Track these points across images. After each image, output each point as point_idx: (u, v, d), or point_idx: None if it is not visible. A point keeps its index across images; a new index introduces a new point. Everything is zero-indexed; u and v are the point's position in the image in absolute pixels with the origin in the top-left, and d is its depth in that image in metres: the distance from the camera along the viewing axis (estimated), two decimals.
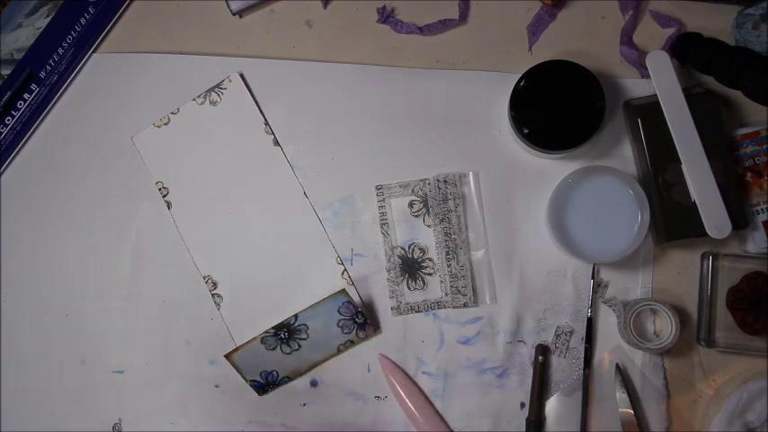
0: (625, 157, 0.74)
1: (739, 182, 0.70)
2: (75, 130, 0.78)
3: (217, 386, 0.76)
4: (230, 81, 0.77)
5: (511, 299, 0.74)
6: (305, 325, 0.74)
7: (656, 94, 0.70)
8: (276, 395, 0.76)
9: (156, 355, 0.77)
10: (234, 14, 0.77)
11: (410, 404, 0.73)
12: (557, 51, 0.75)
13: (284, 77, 0.77)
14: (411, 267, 0.75)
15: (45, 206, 0.78)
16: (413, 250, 0.75)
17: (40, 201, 0.78)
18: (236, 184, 0.77)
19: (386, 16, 0.76)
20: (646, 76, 0.73)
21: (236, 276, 0.76)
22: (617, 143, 0.74)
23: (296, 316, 0.73)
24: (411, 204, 0.76)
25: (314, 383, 0.75)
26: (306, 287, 0.75)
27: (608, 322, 0.74)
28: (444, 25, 0.75)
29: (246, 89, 0.76)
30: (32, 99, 0.77)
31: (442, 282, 0.75)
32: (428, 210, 0.75)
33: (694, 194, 0.69)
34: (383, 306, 0.75)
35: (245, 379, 0.74)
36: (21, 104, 0.77)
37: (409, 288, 0.75)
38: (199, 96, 0.77)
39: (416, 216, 0.75)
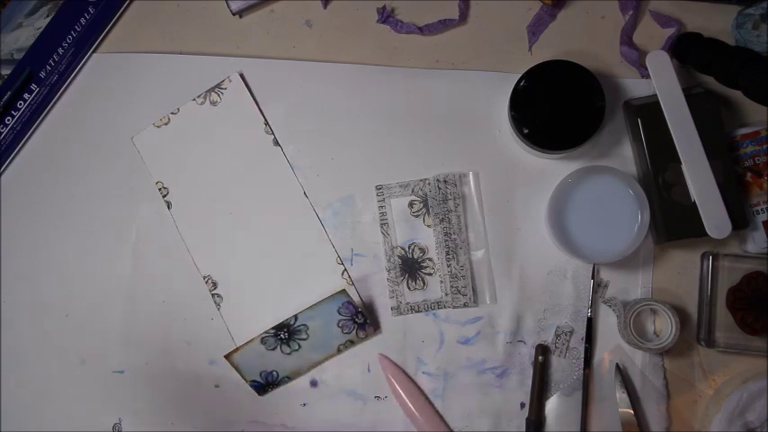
0: (625, 157, 0.74)
1: (739, 182, 0.70)
2: (75, 130, 0.78)
3: (217, 386, 0.76)
4: (230, 81, 0.77)
5: (511, 299, 0.74)
6: (305, 325, 0.74)
7: (656, 94, 0.70)
8: (276, 395, 0.76)
9: (156, 355, 0.77)
10: (234, 14, 0.77)
11: (410, 404, 0.73)
12: (557, 51, 0.75)
13: (284, 77, 0.77)
14: (411, 267, 0.75)
15: (45, 206, 0.78)
16: (413, 250, 0.75)
17: (40, 201, 0.78)
18: (236, 184, 0.77)
19: (386, 16, 0.76)
20: (646, 76, 0.73)
21: (236, 276, 0.76)
22: (617, 143, 0.74)
23: (296, 316, 0.73)
24: (411, 204, 0.76)
25: (314, 383, 0.76)
26: (306, 287, 0.75)
27: (608, 322, 0.74)
28: (444, 25, 0.75)
29: (246, 89, 0.77)
30: (32, 99, 0.77)
31: (441, 282, 0.75)
32: (428, 210, 0.75)
33: (694, 194, 0.69)
34: (383, 306, 0.75)
35: (245, 379, 0.74)
36: (21, 104, 0.77)
37: (409, 288, 0.75)
38: (199, 96, 0.77)
39: (416, 216, 0.75)
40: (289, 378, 0.75)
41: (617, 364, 0.73)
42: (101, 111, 0.78)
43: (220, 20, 0.78)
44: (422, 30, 0.75)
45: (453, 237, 0.74)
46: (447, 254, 0.74)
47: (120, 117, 0.78)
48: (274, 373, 0.75)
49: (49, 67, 0.77)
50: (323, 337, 0.74)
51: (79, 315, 0.77)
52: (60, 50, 0.77)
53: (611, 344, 0.74)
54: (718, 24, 0.73)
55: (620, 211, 0.70)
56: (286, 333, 0.74)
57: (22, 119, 0.77)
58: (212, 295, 0.76)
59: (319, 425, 0.75)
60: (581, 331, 0.74)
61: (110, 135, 0.78)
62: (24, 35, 0.77)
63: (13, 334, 0.78)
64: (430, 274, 0.75)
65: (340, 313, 0.73)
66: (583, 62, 0.70)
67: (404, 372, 0.75)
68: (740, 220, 0.69)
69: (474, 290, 0.75)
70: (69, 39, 0.77)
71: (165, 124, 0.77)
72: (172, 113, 0.77)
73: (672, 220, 0.70)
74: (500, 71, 0.75)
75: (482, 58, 0.76)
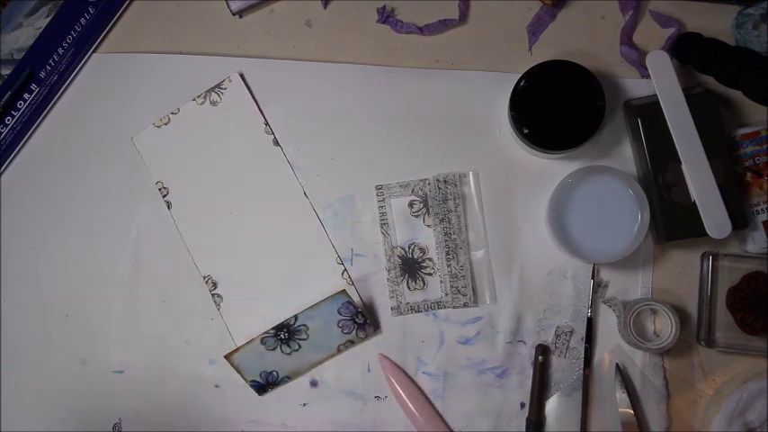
0: (625, 157, 0.74)
1: (739, 182, 0.70)
2: (75, 130, 0.78)
3: (217, 386, 0.76)
4: (230, 81, 0.77)
5: (511, 299, 0.74)
6: (305, 325, 0.74)
7: (656, 94, 0.70)
8: (276, 395, 0.76)
9: (156, 355, 0.77)
10: (234, 14, 0.77)
11: (410, 404, 0.73)
12: (557, 51, 0.75)
13: (284, 77, 0.77)
14: (411, 267, 0.75)
15: (45, 206, 0.78)
16: (413, 250, 0.75)
17: (40, 201, 0.78)
18: (236, 184, 0.77)
19: (386, 16, 0.76)
20: (646, 76, 0.73)
21: (236, 276, 0.76)
22: (617, 143, 0.74)
23: (296, 316, 0.73)
24: (411, 204, 0.76)
25: (314, 383, 0.76)
26: (306, 287, 0.75)
27: (608, 322, 0.74)
28: (444, 25, 0.75)
29: (246, 89, 0.77)
30: (32, 99, 0.77)
31: (441, 282, 0.75)
32: (428, 210, 0.75)
33: (694, 194, 0.69)
34: (383, 306, 0.75)
35: (245, 379, 0.74)
36: (21, 104, 0.77)
37: (409, 288, 0.75)
38: (199, 96, 0.77)
39: (416, 216, 0.75)
40: (289, 378, 0.75)
41: (617, 364, 0.73)
42: (101, 111, 0.78)
43: (220, 20, 0.78)
44: (422, 30, 0.75)
45: (453, 237, 0.74)
46: (447, 254, 0.74)
47: (120, 117, 0.78)
48: (274, 373, 0.75)
49: (49, 67, 0.77)
50: (323, 338, 0.74)
51: (79, 315, 0.78)
52: (60, 50, 0.77)
53: (611, 344, 0.74)
54: (718, 24, 0.73)
55: (620, 211, 0.70)
56: (286, 333, 0.74)
57: (22, 119, 0.77)
58: (212, 295, 0.76)
59: (319, 425, 0.75)
60: (581, 331, 0.74)
61: (110, 135, 0.78)
62: (24, 35, 0.77)
63: (13, 334, 0.78)
64: (430, 274, 0.75)
65: (340, 313, 0.73)
66: (583, 62, 0.70)
67: (404, 372, 0.75)
68: (740, 220, 0.69)
69: (474, 290, 0.75)
70: (69, 39, 0.77)
71: (165, 124, 0.77)
72: (172, 113, 0.77)
73: (672, 220, 0.70)
74: (500, 71, 0.75)
75: (482, 58, 0.76)
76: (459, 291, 0.74)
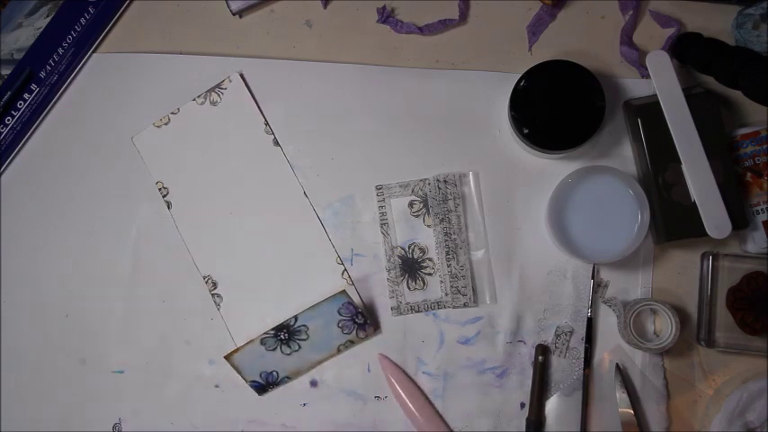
0: (625, 157, 0.74)
1: (739, 182, 0.70)
2: (75, 130, 0.78)
3: (217, 386, 0.76)
4: (230, 81, 0.77)
5: (511, 299, 0.74)
6: (305, 326, 0.74)
7: (656, 94, 0.70)
8: (276, 395, 0.76)
9: (156, 355, 0.77)
10: (234, 14, 0.77)
11: (410, 404, 0.73)
12: (557, 51, 0.75)
13: (284, 77, 0.77)
14: (411, 267, 0.75)
15: (45, 206, 0.78)
16: (413, 250, 0.75)
17: (40, 201, 0.78)
18: (236, 184, 0.77)
19: (386, 16, 0.76)
20: (646, 76, 0.73)
21: (236, 276, 0.76)
22: (617, 143, 0.74)
23: (296, 317, 0.73)
24: (411, 204, 0.76)
25: (314, 383, 0.75)
26: (306, 287, 0.75)
27: (608, 322, 0.74)
28: (444, 25, 0.75)
29: (246, 89, 0.77)
30: (32, 99, 0.77)
31: (441, 282, 0.75)
32: (428, 210, 0.75)
33: (694, 194, 0.69)
34: (383, 306, 0.75)
35: (245, 380, 0.74)
36: (21, 104, 0.77)
37: (409, 288, 0.75)
38: (199, 96, 0.77)
39: (416, 216, 0.75)
40: (289, 378, 0.75)
41: (617, 364, 0.73)
42: (101, 111, 0.78)
43: (220, 20, 0.78)
44: (422, 30, 0.75)
45: (453, 237, 0.74)
46: (447, 254, 0.74)
47: (120, 117, 0.78)
48: (274, 373, 0.75)
49: (49, 67, 0.77)
50: (323, 338, 0.74)
51: (79, 315, 0.77)
52: (60, 50, 0.77)
53: (611, 344, 0.74)
54: (718, 24, 0.73)
55: (620, 211, 0.70)
56: (286, 334, 0.74)
57: (22, 119, 0.77)
58: (212, 295, 0.76)
59: (319, 425, 0.75)
60: (581, 331, 0.74)
61: (110, 135, 0.78)
62: (24, 35, 0.77)
63: (13, 334, 0.78)
64: (430, 274, 0.75)
65: (340, 314, 0.73)
66: (583, 62, 0.70)
67: (404, 372, 0.75)
68: (740, 220, 0.69)
69: (474, 290, 0.75)
70: (69, 39, 0.77)
71: (165, 124, 0.77)
72: (172, 113, 0.77)
73: (672, 220, 0.70)
74: (500, 71, 0.75)
75: (482, 58, 0.76)
76: (459, 291, 0.74)
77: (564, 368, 0.74)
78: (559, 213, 0.70)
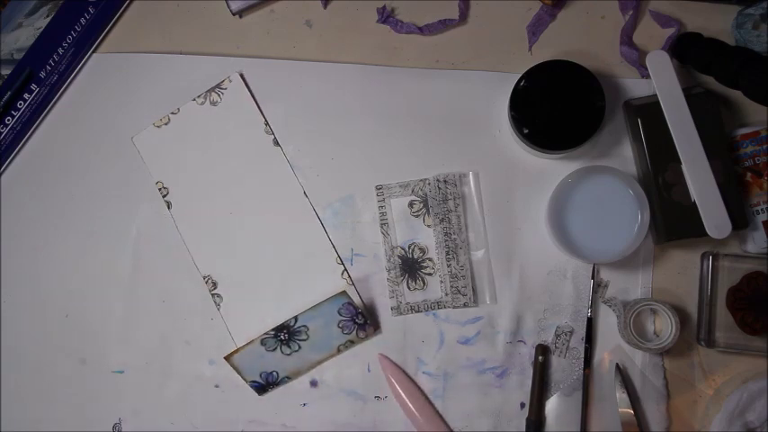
0: (625, 157, 0.74)
1: (739, 182, 0.70)
2: (75, 130, 0.78)
3: (217, 386, 0.76)
4: (230, 81, 0.77)
5: (511, 299, 0.74)
6: (305, 326, 0.74)
7: (656, 94, 0.70)
8: (276, 395, 0.76)
9: (156, 355, 0.77)
10: (234, 14, 0.77)
11: (410, 404, 0.73)
12: (557, 51, 0.75)
13: (284, 77, 0.77)
14: (411, 267, 0.75)
15: (45, 206, 0.78)
16: (413, 250, 0.75)
17: (40, 201, 0.78)
18: (236, 184, 0.77)
19: (386, 16, 0.76)
20: (646, 76, 0.73)
21: (236, 276, 0.76)
22: (617, 143, 0.74)
23: (296, 317, 0.73)
24: (411, 204, 0.76)
25: (314, 383, 0.75)
26: (306, 287, 0.75)
27: (608, 322, 0.74)
28: (444, 25, 0.75)
29: (246, 89, 0.77)
30: (32, 99, 0.77)
31: (441, 282, 0.75)
32: (428, 210, 0.75)
33: (694, 194, 0.69)
34: (383, 306, 0.75)
35: (245, 380, 0.74)
36: (21, 104, 0.77)
37: (409, 288, 0.75)
38: (199, 96, 0.77)
39: (416, 216, 0.75)
40: (289, 378, 0.75)
41: (617, 364, 0.73)
42: (101, 111, 0.78)
43: (220, 20, 0.78)
44: (422, 30, 0.75)
45: (453, 237, 0.74)
46: (447, 254, 0.74)
47: (120, 117, 0.78)
48: (274, 373, 0.75)
49: (49, 67, 0.77)
50: (323, 338, 0.74)
51: (79, 315, 0.77)
52: (60, 50, 0.77)
53: (611, 344, 0.74)
54: (718, 24, 0.73)
55: (620, 211, 0.70)
56: (286, 334, 0.74)
57: (22, 119, 0.77)
58: (212, 295, 0.76)
59: (319, 425, 0.75)
60: (581, 331, 0.74)
61: (110, 135, 0.78)
62: (24, 35, 0.77)
63: (13, 334, 0.78)
64: (430, 274, 0.75)
65: (340, 314, 0.73)
66: (583, 62, 0.70)
67: (404, 372, 0.75)
68: (740, 220, 0.69)
69: (474, 290, 0.75)
70: (69, 39, 0.77)
71: (165, 124, 0.77)
72: (172, 113, 0.77)
73: (672, 220, 0.70)
74: (500, 71, 0.75)
75: (482, 58, 0.76)
76: (459, 291, 0.74)
77: (564, 368, 0.74)
78: (559, 213, 0.70)
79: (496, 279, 0.74)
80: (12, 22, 0.78)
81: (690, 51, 0.72)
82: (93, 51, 0.78)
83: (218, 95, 0.77)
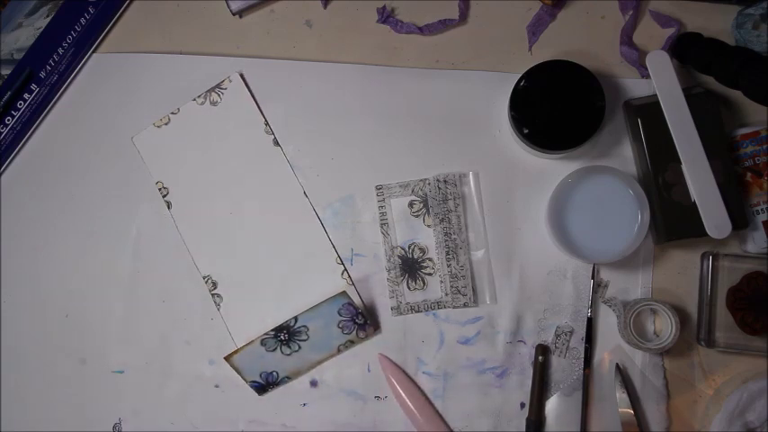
0: (625, 157, 0.74)
1: (739, 182, 0.70)
2: (75, 130, 0.78)
3: (217, 386, 0.76)
4: (230, 81, 0.77)
5: (511, 299, 0.74)
6: (305, 326, 0.74)
7: (656, 94, 0.70)
8: (276, 395, 0.76)
9: (156, 355, 0.77)
10: (234, 14, 0.77)
11: (410, 404, 0.73)
12: (557, 51, 0.75)
13: (284, 77, 0.77)
14: (411, 267, 0.75)
15: (45, 206, 0.78)
16: (413, 250, 0.75)
17: (40, 201, 0.78)
18: (236, 184, 0.77)
19: (386, 16, 0.76)
20: (646, 76, 0.73)
21: (236, 276, 0.76)
22: (617, 143, 0.74)
23: (296, 318, 0.73)
24: (411, 204, 0.76)
25: (314, 383, 0.76)
26: (306, 287, 0.75)
27: (608, 322, 0.74)
28: (444, 25, 0.75)
29: (246, 89, 0.77)
30: (32, 99, 0.77)
31: (441, 282, 0.75)
32: (428, 210, 0.75)
33: (694, 194, 0.69)
34: (383, 306, 0.75)
35: (245, 380, 0.74)
36: (21, 104, 0.77)
37: (409, 288, 0.75)
38: (199, 96, 0.77)
39: (416, 216, 0.75)
40: (289, 378, 0.75)
41: (617, 364, 0.73)
42: (101, 111, 0.78)
43: (220, 20, 0.78)
44: (422, 30, 0.75)
45: (453, 237, 0.74)
46: (447, 254, 0.74)
47: (120, 117, 0.78)
48: (274, 373, 0.75)
49: (49, 67, 0.77)
50: (323, 338, 0.74)
51: (79, 315, 0.78)
52: (60, 50, 0.77)
53: (611, 344, 0.74)
54: (718, 24, 0.73)
55: (620, 211, 0.69)
56: (286, 334, 0.74)
57: (22, 119, 0.77)
58: (212, 295, 0.76)
59: (319, 425, 0.75)
60: (581, 331, 0.74)
61: (110, 135, 0.78)
62: (24, 35, 0.77)
63: (13, 334, 0.78)
64: (430, 274, 0.75)
65: (340, 314, 0.73)
66: (583, 62, 0.70)
67: (404, 372, 0.75)
68: (740, 220, 0.69)
69: (474, 290, 0.75)
70: (69, 39, 0.77)
71: (165, 124, 0.77)
72: (172, 113, 0.77)
73: (672, 220, 0.70)
74: (500, 71, 0.75)
75: (482, 58, 0.76)
76: (459, 291, 0.74)
77: (564, 368, 0.74)
78: (559, 213, 0.70)
79: (496, 279, 0.74)
80: (12, 22, 0.78)
81: (690, 51, 0.72)
82: (93, 51, 0.78)
83: (218, 95, 0.77)
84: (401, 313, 0.75)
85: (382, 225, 0.75)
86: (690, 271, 0.73)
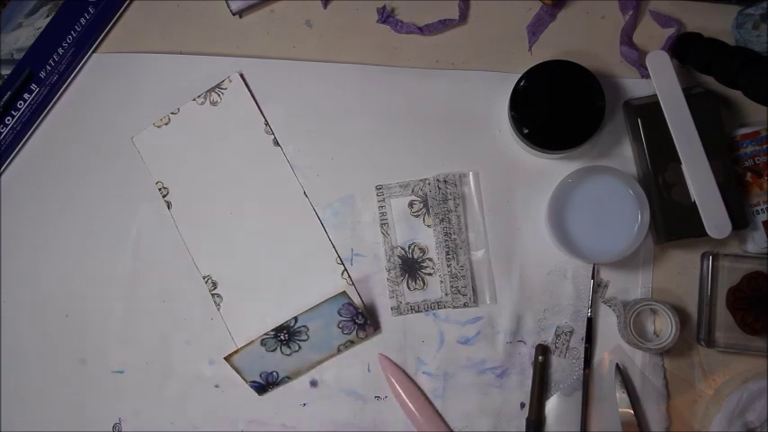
0: (625, 157, 0.74)
1: (739, 182, 0.70)
2: (75, 130, 0.78)
3: (217, 386, 0.76)
4: (230, 81, 0.77)
5: (511, 299, 0.74)
6: (305, 326, 0.74)
7: (656, 94, 0.70)
8: (276, 395, 0.76)
9: (156, 355, 0.77)
10: (234, 14, 0.77)
11: (410, 404, 0.73)
12: (557, 51, 0.75)
13: (284, 77, 0.77)
14: (411, 267, 0.75)
15: (45, 206, 0.78)
16: (413, 250, 0.75)
17: (40, 201, 0.78)
18: (236, 184, 0.77)
19: (386, 16, 0.76)
20: (646, 76, 0.73)
21: (236, 276, 0.76)
22: (617, 143, 0.74)
23: (296, 318, 0.73)
24: (411, 204, 0.76)
25: (314, 383, 0.75)
26: (306, 287, 0.75)
27: (608, 322, 0.74)
28: (444, 25, 0.75)
29: (246, 89, 0.77)
30: (32, 99, 0.77)
31: (441, 282, 0.75)
32: (428, 210, 0.75)
33: (694, 194, 0.69)
34: (383, 306, 0.75)
35: (245, 380, 0.74)
36: (21, 104, 0.77)
37: (409, 288, 0.75)
38: (199, 96, 0.77)
39: (416, 216, 0.75)
40: (289, 378, 0.75)
41: (617, 364, 0.73)
42: (101, 111, 0.78)
43: (220, 20, 0.78)
44: (422, 30, 0.75)
45: (453, 237, 0.74)
46: (447, 254, 0.74)
47: (120, 117, 0.78)
48: (274, 373, 0.75)
49: (49, 67, 0.77)
50: (323, 338, 0.74)
51: (79, 315, 0.78)
52: (60, 50, 0.77)
53: (611, 344, 0.74)
54: (718, 24, 0.73)
55: (620, 211, 0.70)
56: (286, 334, 0.74)
57: (22, 119, 0.77)
58: (212, 295, 0.76)
59: (319, 425, 0.75)
60: (581, 331, 0.74)
61: (110, 135, 0.78)
62: (24, 35, 0.77)
63: (13, 334, 0.78)
64: (430, 274, 0.75)
65: (340, 314, 0.73)
66: (583, 62, 0.70)
67: (404, 372, 0.75)
68: (740, 220, 0.69)
69: (474, 290, 0.75)
70: (69, 39, 0.77)
71: (166, 124, 0.77)
72: (172, 113, 0.77)
73: (672, 220, 0.70)
74: (500, 71, 0.75)
75: (482, 58, 0.76)
76: (459, 291, 0.74)
77: (564, 368, 0.74)
78: (559, 213, 0.70)
79: (496, 279, 0.74)
80: (12, 22, 0.78)
81: (690, 51, 0.72)
82: (93, 51, 0.78)
83: (218, 95, 0.77)
84: (401, 313, 0.75)
85: (382, 225, 0.75)
86: (690, 271, 0.73)
